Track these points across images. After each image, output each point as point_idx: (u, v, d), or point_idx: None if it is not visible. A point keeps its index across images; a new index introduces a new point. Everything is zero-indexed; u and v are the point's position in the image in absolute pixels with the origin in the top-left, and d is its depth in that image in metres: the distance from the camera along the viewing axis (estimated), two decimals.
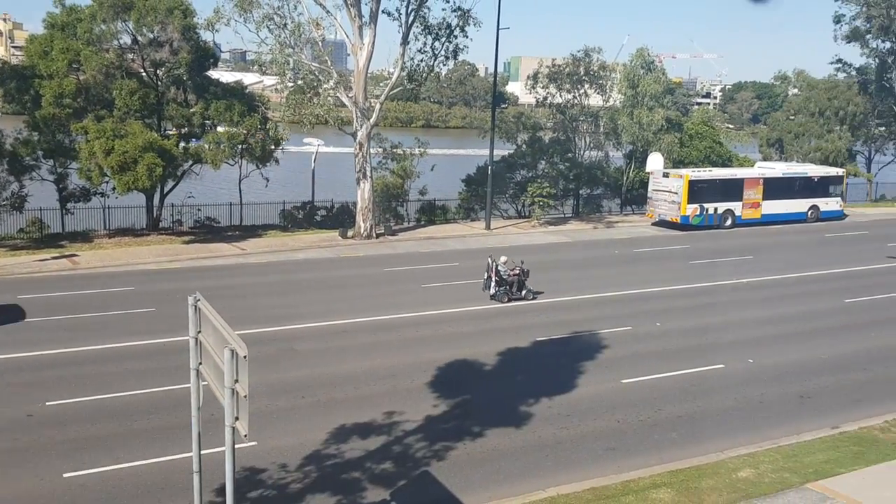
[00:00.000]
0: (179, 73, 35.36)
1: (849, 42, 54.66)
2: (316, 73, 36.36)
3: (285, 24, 34.90)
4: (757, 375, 19.06)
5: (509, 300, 25.23)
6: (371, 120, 36.33)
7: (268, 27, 34.73)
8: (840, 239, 39.99)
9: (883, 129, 59.89)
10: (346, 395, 17.03)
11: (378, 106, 36.79)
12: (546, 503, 12.46)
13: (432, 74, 39.58)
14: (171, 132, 35.91)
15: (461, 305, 24.78)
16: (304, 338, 21.22)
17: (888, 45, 53.68)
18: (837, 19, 54.64)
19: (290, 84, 37.80)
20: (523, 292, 25.52)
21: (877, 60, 55.79)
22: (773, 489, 13.06)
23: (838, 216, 45.85)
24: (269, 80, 47.89)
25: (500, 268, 25.44)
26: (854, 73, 59.29)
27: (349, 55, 37.55)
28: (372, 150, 37.95)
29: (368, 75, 38.26)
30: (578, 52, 45.17)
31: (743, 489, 13.05)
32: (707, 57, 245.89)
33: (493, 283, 25.33)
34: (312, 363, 19.18)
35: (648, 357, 20.09)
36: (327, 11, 36.12)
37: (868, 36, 53.63)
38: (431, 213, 42.14)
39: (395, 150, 41.23)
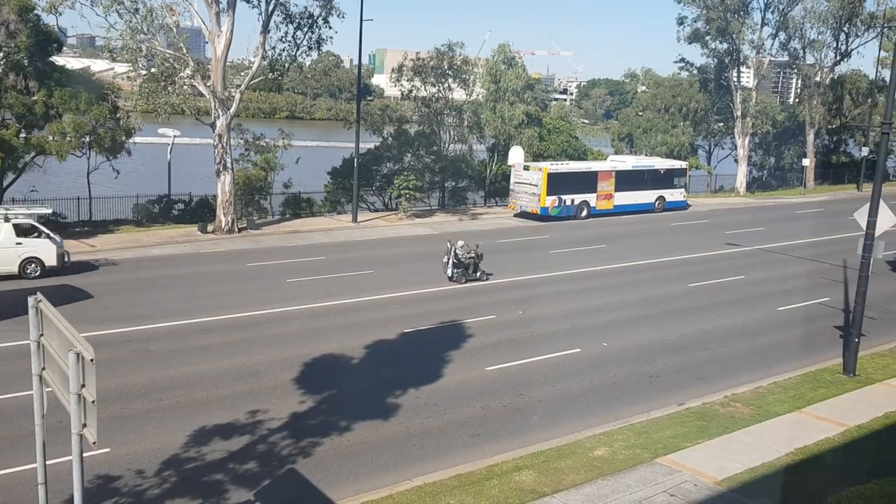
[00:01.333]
0: (19, 59, 32.81)
1: (691, 43, 58.46)
2: (171, 60, 34.84)
3: (137, 9, 33.27)
4: (610, 358, 20.12)
5: (466, 281, 27.37)
6: (231, 110, 35.28)
7: (117, 11, 32.96)
8: (684, 227, 42.73)
9: (721, 124, 64.54)
10: (206, 396, 16.51)
11: (238, 96, 35.76)
12: (412, 493, 12.62)
13: (295, 65, 38.91)
14: (10, 121, 33.34)
15: (329, 300, 24.60)
16: (161, 338, 20.34)
17: (725, 46, 57.72)
18: (680, 21, 58.37)
19: (144, 72, 36.04)
20: (478, 273, 27.78)
21: (715, 60, 60.03)
22: (626, 465, 13.85)
23: (682, 206, 48.95)
24: (121, 68, 45.32)
25: (458, 251, 27.53)
26: (696, 71, 63.53)
27: (207, 43, 36.23)
28: (233, 142, 36.84)
29: (228, 64, 37.10)
30: (442, 46, 45.81)
31: (599, 467, 13.75)
32: (564, 54, 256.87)
33: (451, 266, 27.28)
34: (170, 364, 18.42)
35: (511, 344, 20.76)
36: None
37: (707, 37, 57.51)
38: (297, 207, 41.43)
39: (257, 142, 40.21)
